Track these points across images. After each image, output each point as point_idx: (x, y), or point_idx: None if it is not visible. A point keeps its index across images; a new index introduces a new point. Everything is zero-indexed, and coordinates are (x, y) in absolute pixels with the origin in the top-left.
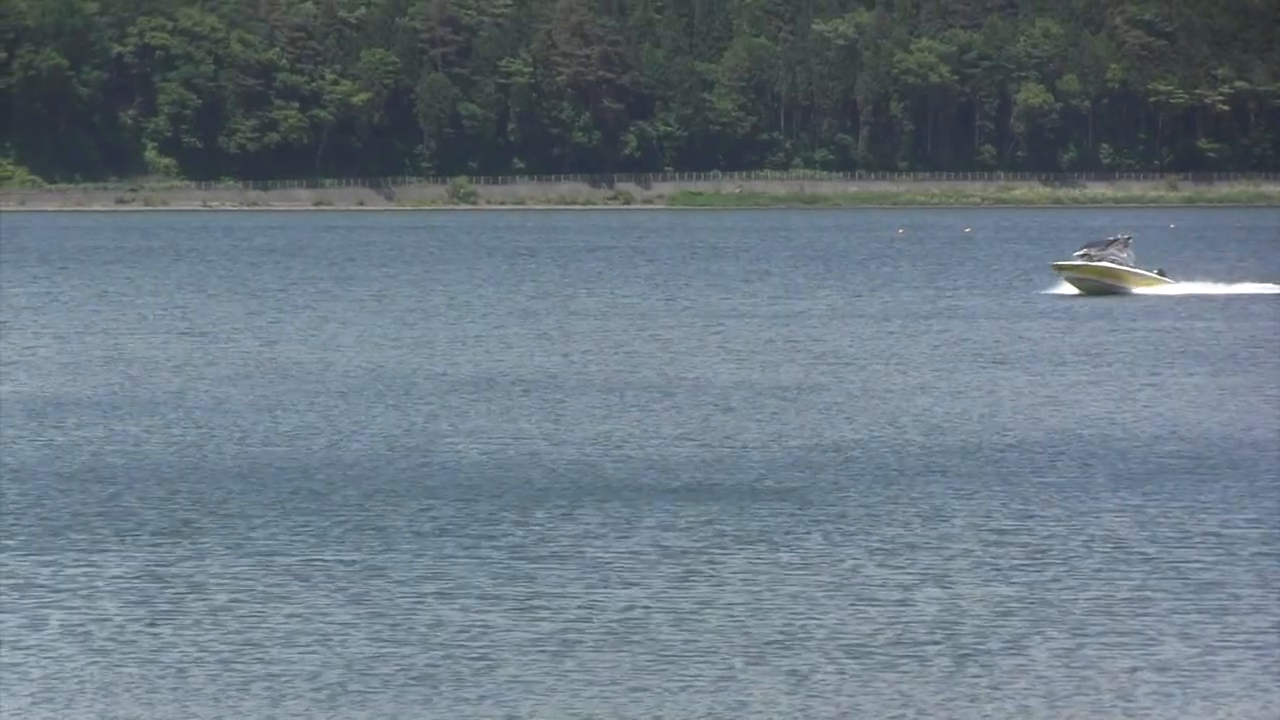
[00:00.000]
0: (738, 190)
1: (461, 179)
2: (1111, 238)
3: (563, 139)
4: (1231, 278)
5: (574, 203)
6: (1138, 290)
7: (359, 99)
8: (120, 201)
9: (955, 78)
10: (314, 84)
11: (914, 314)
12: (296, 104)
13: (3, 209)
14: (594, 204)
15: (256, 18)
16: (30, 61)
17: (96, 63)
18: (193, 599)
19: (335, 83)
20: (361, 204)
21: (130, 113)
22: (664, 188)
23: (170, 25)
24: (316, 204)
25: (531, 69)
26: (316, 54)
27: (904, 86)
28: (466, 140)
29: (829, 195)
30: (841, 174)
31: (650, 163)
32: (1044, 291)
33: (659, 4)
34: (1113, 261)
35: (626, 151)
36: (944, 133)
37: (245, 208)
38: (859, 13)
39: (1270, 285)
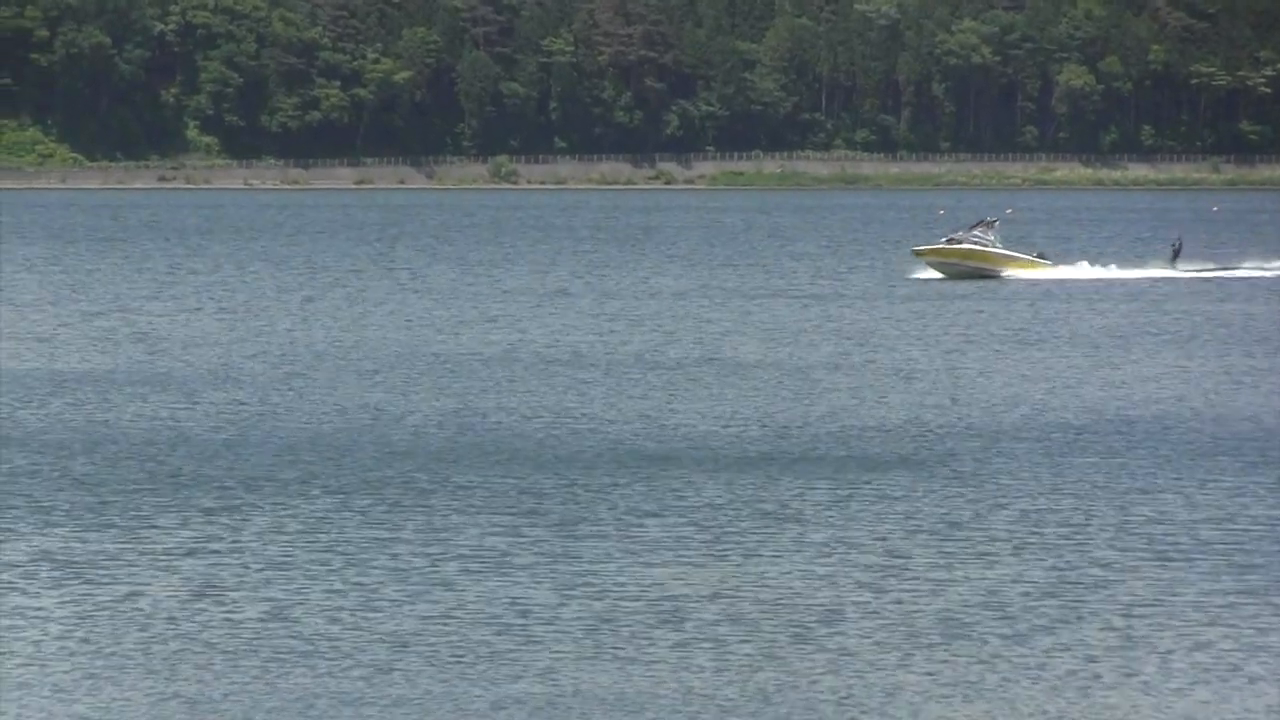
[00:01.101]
0: (779, 170)
1: (502, 158)
2: (980, 220)
3: (604, 118)
4: (1124, 262)
5: (615, 182)
6: (1008, 273)
7: (400, 78)
8: (161, 180)
9: (997, 59)
10: (356, 63)
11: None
12: (338, 83)
13: (44, 186)
14: (635, 184)
15: None
16: (72, 39)
17: (138, 41)
18: (236, 574)
19: (377, 61)
20: (402, 183)
21: (172, 91)
22: (705, 168)
23: (212, 3)
24: (357, 183)
25: (573, 48)
26: (358, 32)
27: (946, 67)
28: (508, 119)
29: (870, 176)
30: (883, 155)
31: (692, 142)
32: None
33: None
34: (976, 243)
35: (668, 131)
36: (986, 114)
37: (286, 186)
38: None
39: (1166, 269)
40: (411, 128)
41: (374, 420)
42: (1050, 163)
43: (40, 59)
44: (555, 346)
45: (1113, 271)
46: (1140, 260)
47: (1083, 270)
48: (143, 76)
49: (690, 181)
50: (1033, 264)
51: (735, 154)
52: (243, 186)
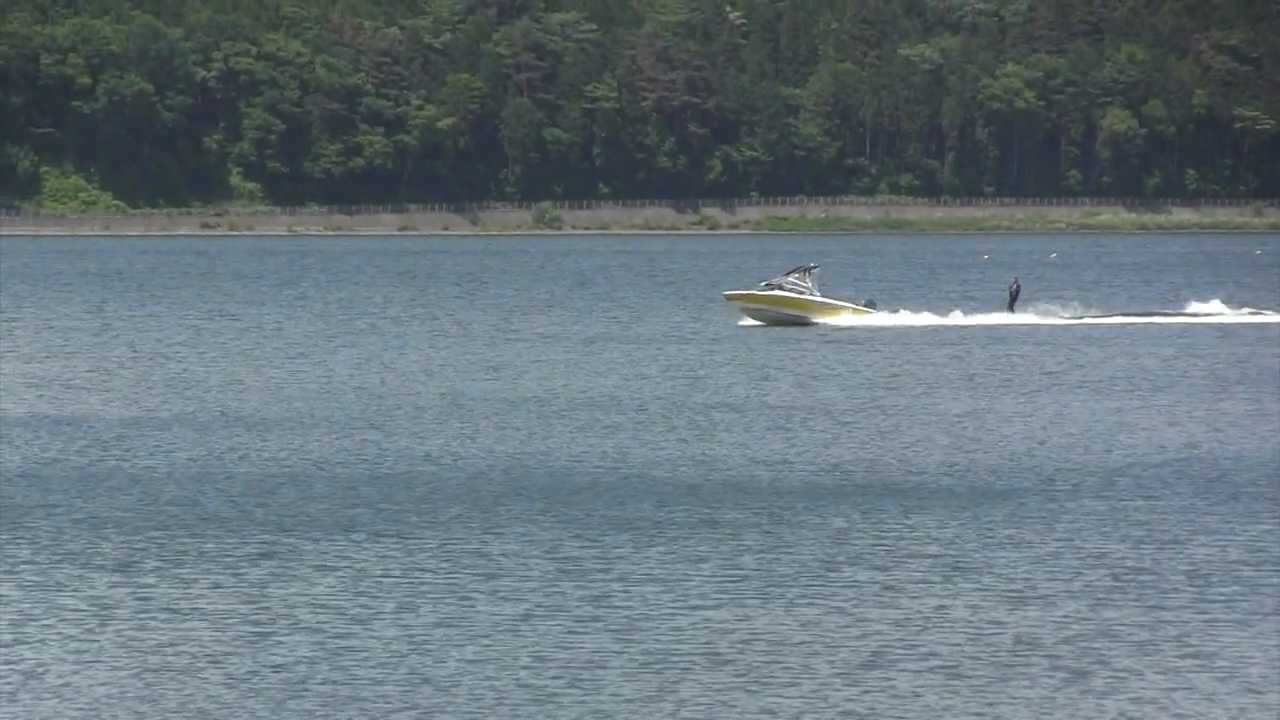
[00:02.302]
0: (823, 215)
1: (546, 204)
2: (799, 266)
3: (648, 164)
4: (946, 309)
5: (659, 228)
6: (821, 320)
7: (444, 124)
8: (205, 226)
9: (1041, 103)
10: (399, 109)
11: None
12: (381, 129)
13: (87, 233)
14: (679, 229)
15: (341, 43)
16: (115, 87)
17: (181, 88)
18: (285, 616)
19: (420, 108)
20: (446, 229)
21: (215, 137)
22: (749, 213)
23: (255, 50)
24: (401, 229)
25: (617, 94)
26: (402, 79)
27: (989, 112)
28: (551, 165)
29: (915, 220)
30: (927, 199)
31: (735, 188)
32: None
33: (745, 29)
34: (792, 290)
35: (712, 176)
36: (1029, 158)
37: (330, 232)
38: (945, 38)
39: (1005, 314)
40: (455, 174)
41: (424, 463)
42: (1094, 207)
43: (83, 106)
44: (592, 392)
45: (928, 318)
46: (947, 307)
47: (900, 318)
48: (185, 123)
49: (734, 227)
50: (848, 311)
51: (779, 199)
52: (286, 233)
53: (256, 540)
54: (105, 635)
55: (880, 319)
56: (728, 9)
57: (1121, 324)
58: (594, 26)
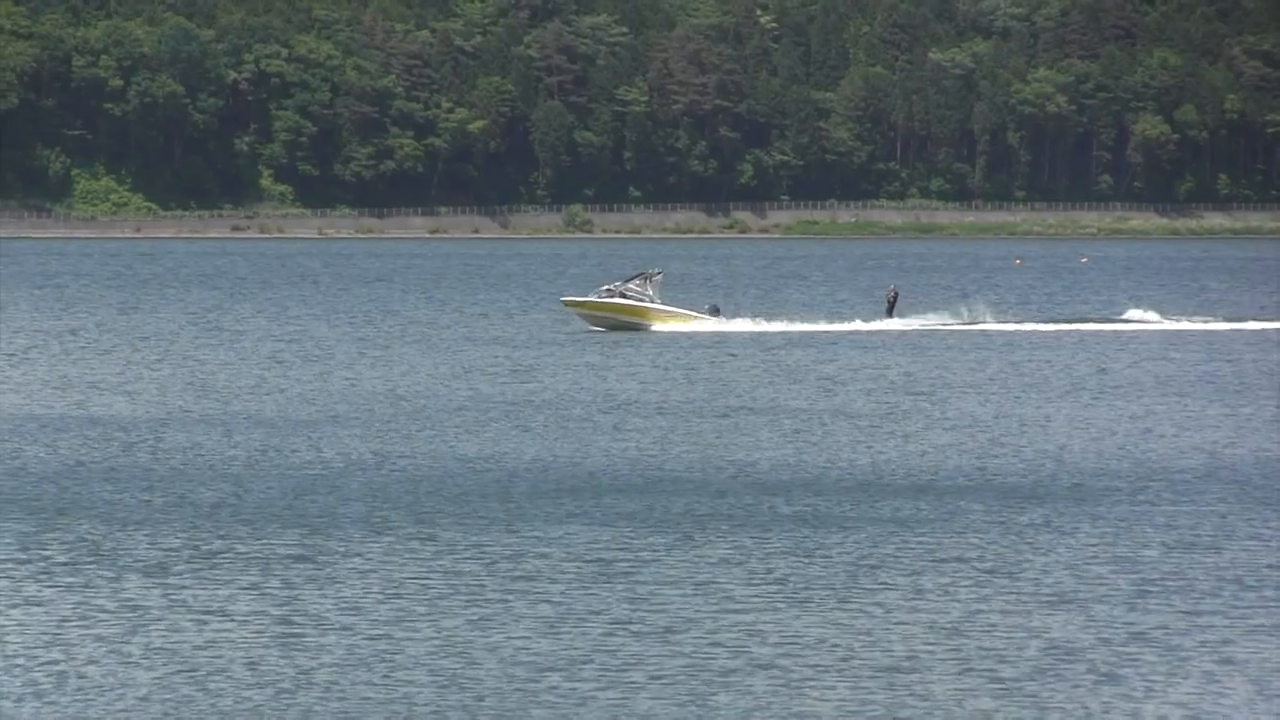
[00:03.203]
0: (854, 220)
1: (576, 207)
2: (640, 272)
3: (678, 167)
4: (790, 316)
5: (689, 231)
6: (657, 326)
7: (475, 127)
8: (235, 229)
9: (1072, 108)
10: (429, 112)
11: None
12: (412, 132)
13: (119, 236)
14: (710, 233)
15: (372, 45)
16: (146, 89)
17: (212, 90)
18: (317, 618)
19: (451, 110)
20: (476, 232)
21: (246, 140)
22: (780, 216)
23: (286, 53)
24: (431, 232)
25: (647, 97)
26: (432, 82)
27: (1021, 116)
28: (582, 168)
29: (946, 225)
30: (958, 204)
31: (766, 191)
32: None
33: (776, 32)
34: (632, 297)
35: (742, 180)
36: (1061, 163)
37: (360, 235)
38: (976, 42)
39: (882, 320)
40: (486, 177)
41: (443, 467)
42: (1125, 212)
43: (114, 108)
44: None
45: (778, 325)
46: (850, 314)
47: (739, 325)
48: (216, 125)
49: (765, 230)
50: (686, 317)
51: (810, 203)
52: (317, 235)
53: (289, 542)
54: (139, 637)
55: (716, 325)
56: (759, 13)
57: (955, 330)
58: (625, 30)
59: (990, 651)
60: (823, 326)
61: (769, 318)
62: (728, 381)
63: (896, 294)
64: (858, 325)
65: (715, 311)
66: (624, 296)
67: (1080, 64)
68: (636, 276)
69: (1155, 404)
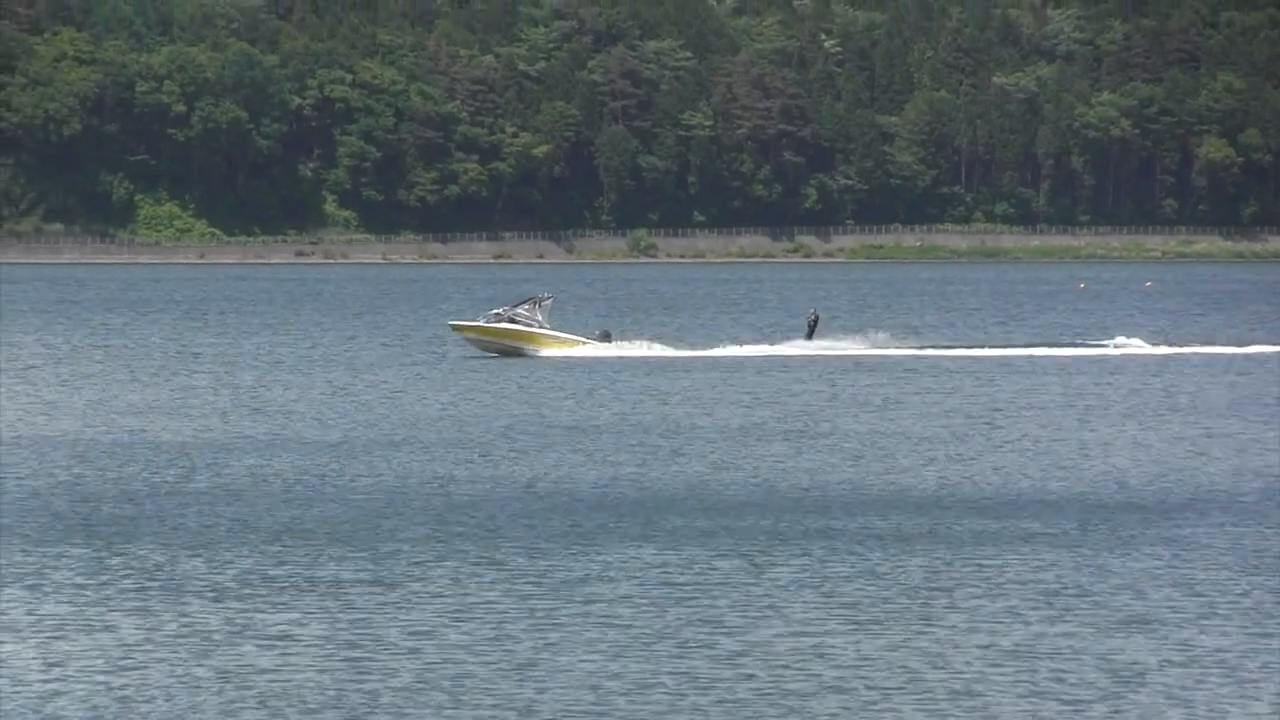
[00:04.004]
0: (918, 244)
1: (641, 231)
2: (530, 297)
3: (743, 191)
4: (678, 341)
5: (754, 255)
6: (545, 352)
7: (539, 151)
8: (299, 254)
9: (1136, 131)
10: (494, 136)
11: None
12: (476, 156)
13: (182, 261)
14: (774, 257)
15: (436, 70)
16: (210, 114)
17: (275, 115)
18: (382, 642)
19: (515, 135)
20: (541, 257)
21: (309, 165)
22: (844, 241)
23: (349, 78)
24: (496, 257)
25: (711, 122)
26: (496, 106)
27: (1085, 140)
28: (647, 193)
29: (1010, 249)
30: (1022, 227)
31: (830, 216)
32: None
33: (840, 57)
34: (521, 322)
35: (807, 204)
36: (1125, 186)
37: (425, 260)
38: (1040, 66)
39: (801, 343)
40: (550, 201)
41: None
42: (1190, 235)
43: (178, 134)
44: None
45: (675, 350)
46: (780, 336)
47: (634, 349)
48: (280, 151)
49: (829, 254)
50: (574, 343)
51: (874, 227)
52: (381, 260)
53: (355, 565)
54: (204, 662)
55: (601, 350)
56: (823, 37)
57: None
58: (689, 54)
59: (1058, 673)
60: (729, 351)
61: (670, 341)
62: (784, 405)
63: (817, 317)
64: (774, 349)
65: (606, 336)
66: (513, 321)
67: (1144, 88)
68: (526, 301)
69: (1215, 426)
